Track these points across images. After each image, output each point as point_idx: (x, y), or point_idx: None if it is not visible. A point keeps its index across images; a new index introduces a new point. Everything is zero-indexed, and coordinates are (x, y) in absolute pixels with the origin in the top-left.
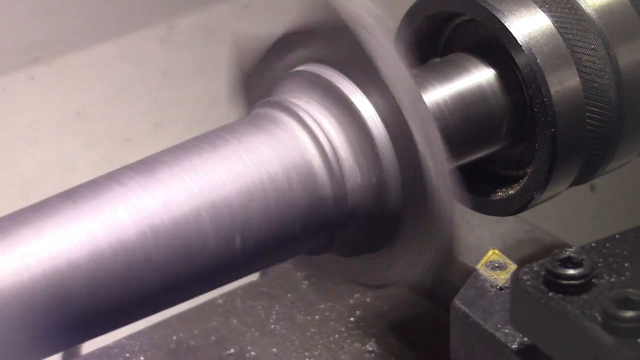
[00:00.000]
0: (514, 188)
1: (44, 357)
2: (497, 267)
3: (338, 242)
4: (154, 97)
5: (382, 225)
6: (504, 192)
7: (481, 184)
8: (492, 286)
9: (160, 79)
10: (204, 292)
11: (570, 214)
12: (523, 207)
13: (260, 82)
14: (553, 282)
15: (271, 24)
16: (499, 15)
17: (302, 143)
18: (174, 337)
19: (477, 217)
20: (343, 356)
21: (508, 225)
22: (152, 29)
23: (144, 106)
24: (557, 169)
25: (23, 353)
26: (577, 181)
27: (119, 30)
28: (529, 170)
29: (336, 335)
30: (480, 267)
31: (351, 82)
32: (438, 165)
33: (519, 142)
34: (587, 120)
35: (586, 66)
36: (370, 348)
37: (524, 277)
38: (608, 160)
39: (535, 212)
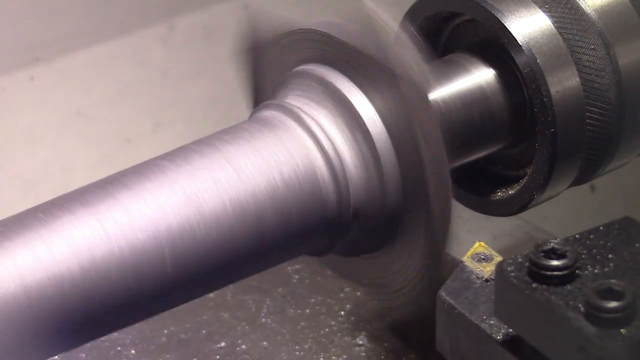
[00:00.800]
0: (514, 188)
1: (50, 356)
2: (483, 259)
3: (339, 243)
4: (154, 97)
5: (383, 226)
6: (504, 192)
7: (481, 184)
8: (477, 278)
9: (160, 79)
10: (204, 294)
11: (570, 214)
12: (523, 207)
13: (261, 79)
14: (537, 273)
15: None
16: (498, 15)
17: (306, 146)
18: (165, 331)
19: (468, 213)
20: (333, 350)
21: (501, 223)
22: (152, 29)
23: (144, 106)
24: (557, 169)
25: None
26: (577, 181)
27: (119, 30)
28: (529, 170)
29: (326, 329)
30: (466, 259)
31: (351, 83)
32: (438, 166)
33: (519, 142)
34: (587, 120)
35: (586, 66)
36: (361, 342)
37: (508, 269)
38: (608, 160)
39: (535, 212)
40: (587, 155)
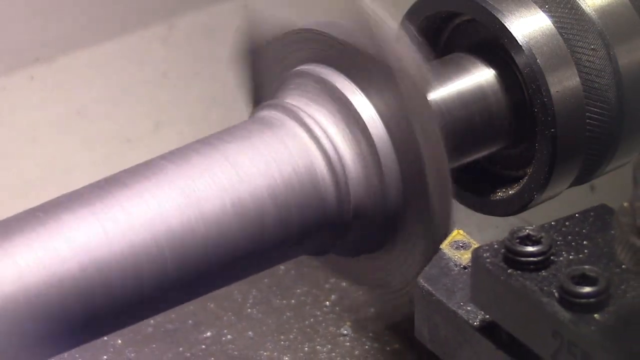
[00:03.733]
0: (514, 188)
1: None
2: (461, 246)
3: (339, 243)
4: (154, 97)
5: (383, 225)
6: (504, 192)
7: (481, 184)
8: (455, 265)
9: (160, 79)
10: (203, 294)
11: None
12: (523, 207)
13: (260, 80)
14: (512, 259)
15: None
16: (499, 16)
17: (305, 145)
18: (151, 321)
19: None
20: (318, 339)
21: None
22: (152, 29)
23: (144, 106)
24: (557, 169)
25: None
26: (577, 181)
27: (119, 30)
28: (529, 171)
29: (311, 319)
30: (445, 246)
31: (351, 83)
32: (438, 165)
33: (519, 142)
34: (587, 120)
35: (586, 66)
36: (345, 332)
37: (484, 255)
38: (608, 160)
39: (535, 212)
40: (587, 155)
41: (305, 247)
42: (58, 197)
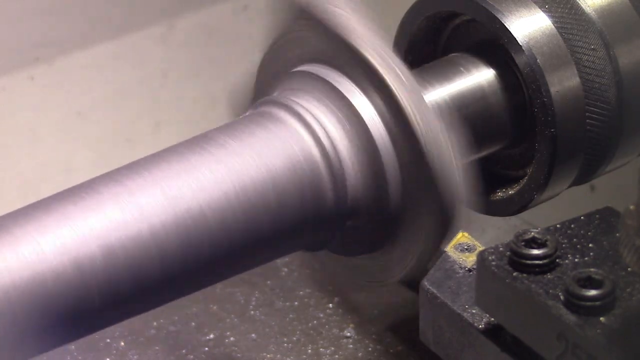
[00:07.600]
0: (514, 188)
1: (49, 349)
2: (466, 249)
3: (337, 241)
4: (154, 97)
5: (382, 224)
6: (504, 192)
7: (481, 184)
8: (460, 268)
9: (160, 79)
10: (199, 289)
11: (570, 214)
12: (523, 207)
13: (262, 78)
14: (517, 262)
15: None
16: (499, 16)
17: (304, 142)
18: (154, 323)
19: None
20: (321, 342)
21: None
22: (152, 29)
23: (144, 106)
24: (557, 169)
25: (29, 346)
26: (577, 181)
27: (119, 30)
28: (529, 170)
29: (315, 321)
30: (449, 249)
31: (351, 82)
32: (440, 163)
33: (519, 142)
34: (587, 120)
35: (586, 66)
36: (348, 334)
37: (489, 257)
38: (608, 160)
39: (535, 212)
40: (587, 155)
41: (301, 241)
42: (52, 195)
